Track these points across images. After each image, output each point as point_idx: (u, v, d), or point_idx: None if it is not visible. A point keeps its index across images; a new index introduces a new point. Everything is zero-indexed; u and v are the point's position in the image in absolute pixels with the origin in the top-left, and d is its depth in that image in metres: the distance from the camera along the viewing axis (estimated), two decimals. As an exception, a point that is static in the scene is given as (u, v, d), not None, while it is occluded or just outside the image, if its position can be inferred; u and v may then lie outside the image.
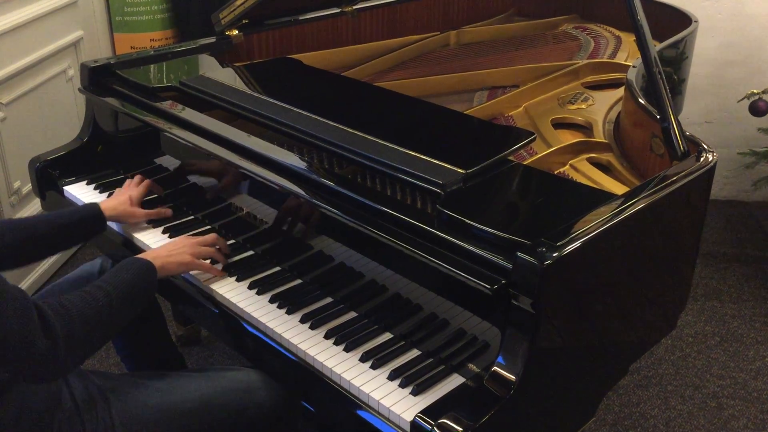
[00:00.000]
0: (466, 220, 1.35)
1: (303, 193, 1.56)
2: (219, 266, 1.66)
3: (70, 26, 3.01)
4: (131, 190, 1.84)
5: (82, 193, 2.03)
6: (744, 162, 3.16)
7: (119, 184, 2.04)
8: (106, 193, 2.00)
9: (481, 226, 1.33)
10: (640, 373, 2.50)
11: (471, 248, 1.31)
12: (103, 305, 1.34)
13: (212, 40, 2.35)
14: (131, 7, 3.23)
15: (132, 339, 1.92)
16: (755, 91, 2.86)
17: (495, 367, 1.24)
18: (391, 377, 1.36)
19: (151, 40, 3.30)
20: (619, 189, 1.72)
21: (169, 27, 3.35)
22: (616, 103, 2.21)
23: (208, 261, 1.65)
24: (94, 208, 1.72)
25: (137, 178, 1.89)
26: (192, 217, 1.90)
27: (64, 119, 2.94)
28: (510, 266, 1.24)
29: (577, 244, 1.25)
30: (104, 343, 1.41)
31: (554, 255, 1.21)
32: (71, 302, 1.31)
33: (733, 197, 3.61)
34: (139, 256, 1.55)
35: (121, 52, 3.28)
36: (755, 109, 2.85)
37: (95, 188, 2.04)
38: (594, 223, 1.30)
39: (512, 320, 1.25)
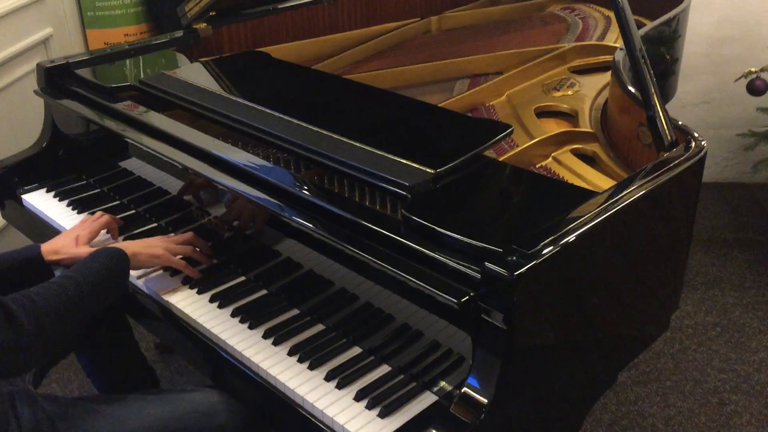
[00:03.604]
0: (433, 226, 1.24)
1: (263, 197, 1.46)
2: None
3: (38, 23, 2.89)
4: (81, 228, 1.62)
5: (41, 201, 1.93)
6: (744, 143, 3.04)
7: (81, 190, 1.96)
8: (65, 201, 1.90)
9: (449, 233, 1.22)
10: (638, 368, 2.40)
11: (439, 257, 1.20)
12: (72, 295, 1.31)
13: (180, 34, 2.24)
14: (103, 1, 3.11)
15: (98, 355, 1.82)
16: (753, 69, 2.72)
17: (465, 389, 1.14)
18: (358, 398, 1.26)
19: (125, 35, 3.19)
20: (604, 182, 1.62)
21: (143, 21, 3.23)
22: (604, 88, 2.09)
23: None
24: (33, 251, 1.52)
25: (97, 213, 1.69)
26: (155, 224, 1.80)
27: (34, 122, 2.82)
28: (479, 276, 1.14)
29: (551, 249, 1.14)
30: (77, 331, 1.37)
31: (526, 263, 1.10)
32: (38, 294, 1.28)
33: (733, 179, 3.49)
34: (111, 245, 1.51)
35: (95, 48, 3.16)
36: (753, 89, 2.72)
37: (55, 196, 1.94)
38: (571, 226, 1.19)
39: (483, 336, 1.14)
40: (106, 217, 1.67)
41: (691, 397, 2.29)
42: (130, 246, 1.51)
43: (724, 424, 2.19)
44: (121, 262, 1.45)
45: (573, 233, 1.17)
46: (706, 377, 2.37)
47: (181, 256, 1.57)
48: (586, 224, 1.20)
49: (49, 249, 1.53)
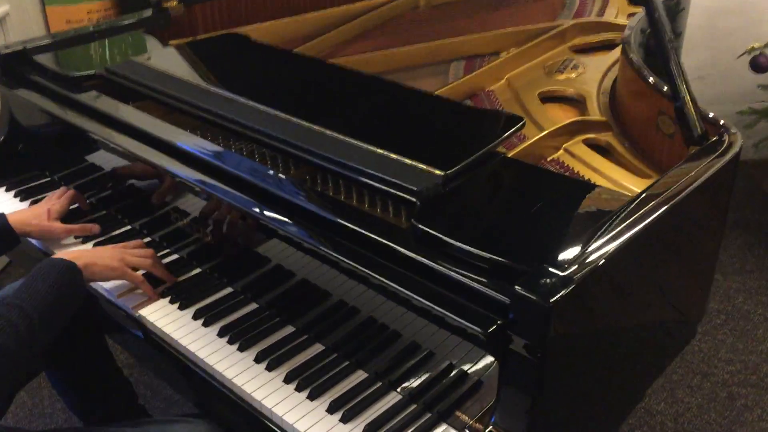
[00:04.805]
0: (448, 239, 1.10)
1: (246, 199, 1.30)
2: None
3: (-7, 1, 2.67)
4: (51, 203, 1.59)
5: (0, 202, 1.75)
6: (742, 120, 2.92)
7: (44, 188, 1.78)
8: (28, 201, 1.72)
9: (467, 247, 1.07)
10: (642, 362, 2.29)
11: (459, 278, 1.06)
12: (22, 330, 1.14)
13: (149, 13, 2.05)
14: (63, -24, 2.89)
15: (70, 374, 1.65)
16: (756, 45, 2.60)
17: (491, 429, 1.00)
18: (366, 433, 1.12)
19: (87, 12, 2.97)
20: (622, 176, 1.48)
21: (107, -4, 3.02)
22: (609, 68, 1.95)
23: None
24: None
25: (61, 190, 1.65)
26: (129, 227, 1.63)
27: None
28: (508, 301, 0.99)
29: (588, 269, 1.00)
30: (33, 366, 1.27)
31: (562, 287, 0.96)
32: None
33: (729, 157, 3.38)
34: (60, 255, 1.33)
35: (56, 27, 2.94)
36: (756, 65, 2.59)
37: (15, 195, 1.76)
38: (607, 238, 1.05)
39: (510, 369, 1.00)
40: (72, 193, 1.63)
41: (699, 391, 2.19)
42: (82, 256, 1.33)
43: (736, 420, 2.09)
44: (74, 277, 1.28)
45: (610, 246, 1.03)
46: (714, 369, 2.27)
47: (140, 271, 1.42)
48: (623, 236, 1.06)
49: (19, 219, 1.51)
